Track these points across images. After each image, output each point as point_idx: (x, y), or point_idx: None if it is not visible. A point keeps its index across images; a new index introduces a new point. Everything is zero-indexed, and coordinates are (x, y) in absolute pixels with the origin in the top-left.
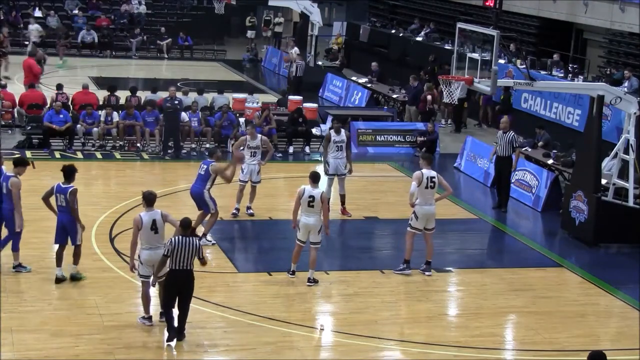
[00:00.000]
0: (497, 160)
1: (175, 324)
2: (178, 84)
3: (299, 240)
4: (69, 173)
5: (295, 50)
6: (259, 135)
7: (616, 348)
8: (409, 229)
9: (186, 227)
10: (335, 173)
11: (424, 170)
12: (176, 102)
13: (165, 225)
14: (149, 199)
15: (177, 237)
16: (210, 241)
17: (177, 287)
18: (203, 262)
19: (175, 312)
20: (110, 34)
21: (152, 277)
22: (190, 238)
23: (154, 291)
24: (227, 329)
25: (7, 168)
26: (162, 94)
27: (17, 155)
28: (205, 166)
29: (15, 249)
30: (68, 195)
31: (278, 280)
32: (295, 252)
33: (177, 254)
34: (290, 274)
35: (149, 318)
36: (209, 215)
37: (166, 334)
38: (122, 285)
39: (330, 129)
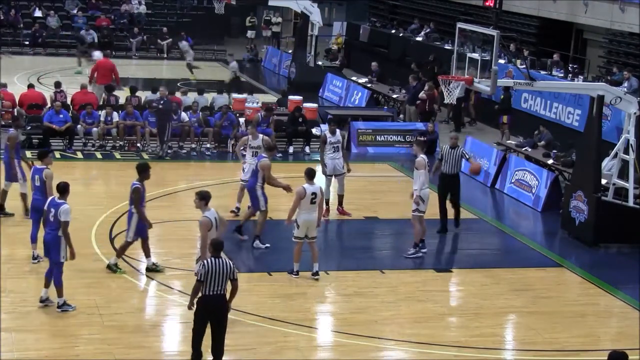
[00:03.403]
0: (443, 178)
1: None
2: (178, 84)
3: (300, 237)
4: (141, 170)
5: (233, 64)
6: (260, 135)
7: (616, 348)
8: (417, 214)
9: (218, 249)
10: (333, 173)
11: (423, 155)
12: (166, 101)
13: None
14: (208, 198)
15: (210, 260)
16: (264, 245)
17: (210, 315)
18: (234, 285)
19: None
20: (110, 34)
21: (188, 302)
22: (224, 260)
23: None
24: (227, 329)
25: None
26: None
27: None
28: (258, 161)
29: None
30: (132, 192)
31: (278, 280)
32: (297, 251)
33: (211, 278)
34: (295, 275)
35: None
36: (257, 213)
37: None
38: (122, 285)
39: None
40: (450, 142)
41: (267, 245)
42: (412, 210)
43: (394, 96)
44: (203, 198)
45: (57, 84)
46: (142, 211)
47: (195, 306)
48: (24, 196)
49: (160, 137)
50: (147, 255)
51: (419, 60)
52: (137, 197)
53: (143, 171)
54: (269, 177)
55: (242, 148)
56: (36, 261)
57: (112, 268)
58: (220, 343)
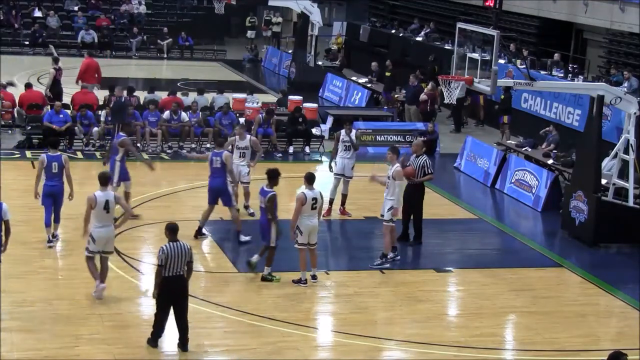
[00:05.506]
0: (406, 188)
1: (165, 332)
2: (178, 84)
3: (304, 244)
4: (273, 176)
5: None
6: (248, 136)
7: (616, 348)
8: (390, 224)
9: (174, 232)
10: (342, 174)
11: (398, 165)
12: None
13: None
14: (103, 180)
15: (169, 244)
16: (247, 238)
17: (172, 295)
18: (189, 267)
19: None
20: (110, 34)
21: (152, 290)
22: (182, 243)
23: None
24: (227, 329)
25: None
26: (161, 94)
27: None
28: (219, 159)
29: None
30: (267, 201)
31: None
32: (303, 258)
33: (171, 261)
34: (304, 284)
35: (102, 280)
36: (231, 209)
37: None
38: (122, 285)
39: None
40: (413, 148)
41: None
42: (386, 220)
43: (395, 96)
44: (98, 178)
45: (56, 60)
46: (277, 218)
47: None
48: (127, 195)
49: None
50: (268, 264)
51: (420, 60)
52: (273, 204)
53: (275, 177)
54: (231, 170)
55: (229, 148)
56: (51, 244)
57: (267, 278)
58: (184, 319)
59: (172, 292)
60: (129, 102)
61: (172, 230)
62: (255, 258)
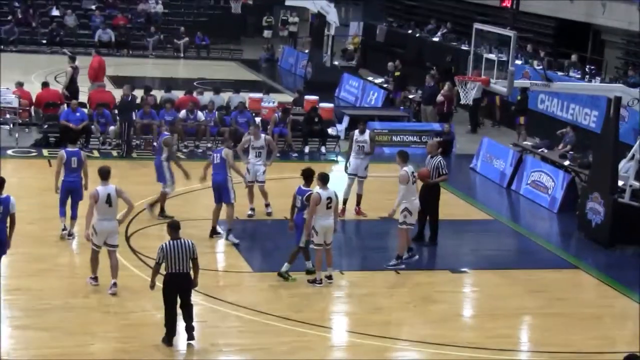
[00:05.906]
0: (421, 188)
1: (179, 324)
2: (195, 83)
3: (319, 244)
4: (308, 176)
5: None
6: (263, 135)
7: (632, 351)
8: (404, 226)
9: (176, 229)
10: (355, 174)
11: (406, 168)
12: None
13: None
14: (103, 174)
15: (169, 242)
16: (236, 240)
17: (176, 291)
18: (195, 264)
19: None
20: (127, 33)
21: (149, 282)
22: (184, 240)
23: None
24: (242, 328)
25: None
26: (178, 93)
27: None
28: (218, 154)
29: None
30: (305, 199)
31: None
32: (319, 259)
33: (172, 259)
34: (319, 284)
35: (95, 278)
36: (228, 206)
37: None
38: (138, 283)
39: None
40: (428, 149)
41: (236, 241)
42: (399, 222)
43: (411, 97)
44: (99, 173)
45: (73, 59)
46: (310, 218)
47: (155, 286)
48: (164, 195)
49: (128, 135)
50: (290, 261)
51: (436, 61)
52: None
53: (310, 176)
54: (233, 166)
55: (245, 147)
56: (65, 231)
57: (284, 276)
58: (188, 310)
59: (175, 288)
60: (144, 100)
61: (173, 227)
62: (285, 267)
